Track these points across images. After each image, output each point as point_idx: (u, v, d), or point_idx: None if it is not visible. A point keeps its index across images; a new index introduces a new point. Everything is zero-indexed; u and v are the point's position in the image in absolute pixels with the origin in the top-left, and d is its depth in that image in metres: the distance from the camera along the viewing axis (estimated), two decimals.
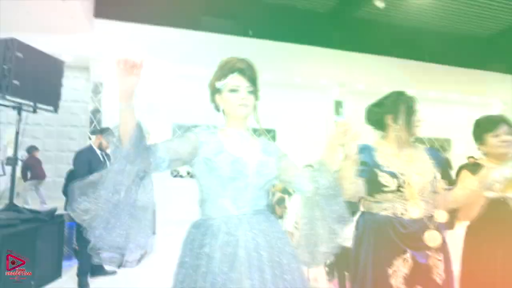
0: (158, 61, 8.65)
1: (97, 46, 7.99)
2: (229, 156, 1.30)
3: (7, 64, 3.41)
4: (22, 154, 6.65)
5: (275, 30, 9.73)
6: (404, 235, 1.53)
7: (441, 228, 1.63)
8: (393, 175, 1.58)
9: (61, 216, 4.14)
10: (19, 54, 3.47)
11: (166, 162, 1.25)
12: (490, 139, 1.79)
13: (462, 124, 11.97)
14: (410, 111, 1.67)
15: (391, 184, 1.57)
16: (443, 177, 1.69)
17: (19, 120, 3.72)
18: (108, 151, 4.11)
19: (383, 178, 1.59)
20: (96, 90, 8.59)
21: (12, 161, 3.66)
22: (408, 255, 1.53)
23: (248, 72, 1.35)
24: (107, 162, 4.10)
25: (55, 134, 8.69)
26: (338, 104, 10.38)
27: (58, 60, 4.11)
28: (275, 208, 6.64)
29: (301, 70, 9.75)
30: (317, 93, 10.51)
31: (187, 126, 9.43)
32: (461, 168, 1.86)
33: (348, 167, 1.41)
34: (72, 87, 8.57)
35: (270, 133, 10.19)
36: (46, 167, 7.60)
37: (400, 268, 1.53)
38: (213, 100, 1.42)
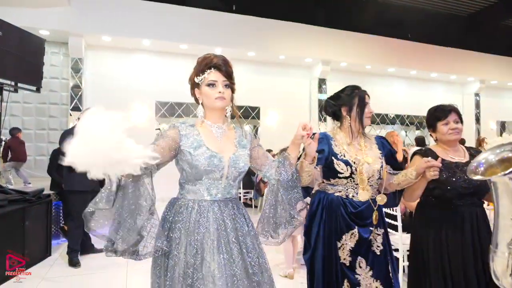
0: (138, 39, 8.47)
1: (76, 20, 7.70)
2: (206, 151, 1.44)
3: None
4: (4, 133, 6.48)
5: (259, 5, 9.59)
6: (353, 214, 1.77)
7: (389, 203, 1.95)
8: (347, 163, 1.78)
9: (48, 195, 4.15)
10: None
11: (155, 170, 1.37)
12: (441, 126, 1.95)
13: (441, 102, 12.33)
14: (362, 104, 1.84)
15: (345, 171, 1.77)
16: (387, 163, 1.90)
17: (1, 100, 3.64)
18: None
19: (339, 166, 1.78)
20: (76, 67, 8.36)
21: None
22: (355, 230, 1.76)
23: (224, 67, 1.48)
24: None
25: (34, 112, 8.46)
26: (322, 82, 10.44)
27: (38, 38, 3.98)
28: (260, 186, 6.78)
29: (285, 48, 9.70)
30: (301, 71, 10.54)
31: (169, 103, 9.36)
32: (414, 154, 2.05)
33: (307, 163, 1.60)
34: (50, 63, 8.28)
35: (255, 110, 10.24)
36: (26, 145, 7.43)
37: (347, 242, 1.76)
38: (193, 94, 1.54)
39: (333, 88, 10.42)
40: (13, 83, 3.75)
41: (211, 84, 1.46)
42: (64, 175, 4.00)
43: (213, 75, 1.47)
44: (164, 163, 1.41)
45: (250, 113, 10.26)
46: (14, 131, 7.09)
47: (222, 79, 1.47)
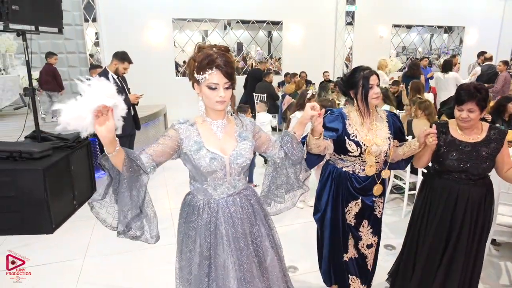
0: None
1: None
2: (207, 153, 1.47)
3: None
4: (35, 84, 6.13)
5: None
6: (358, 188, 2.01)
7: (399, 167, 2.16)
8: (358, 144, 1.92)
9: (86, 138, 4.27)
10: None
11: (153, 168, 1.45)
12: (456, 110, 1.95)
13: (479, 9, 11.22)
14: (366, 88, 1.89)
15: (355, 151, 1.93)
16: (395, 138, 2.04)
17: (26, 47, 3.50)
18: (123, 74, 4.00)
19: (350, 146, 1.93)
20: (88, 7, 7.74)
21: (29, 91, 3.58)
22: (359, 200, 2.03)
23: (226, 68, 1.42)
24: (124, 85, 4.04)
25: (49, 35, 8.14)
26: None
27: None
28: (287, 114, 6.76)
29: None
30: None
31: (186, 19, 8.85)
32: (410, 121, 2.11)
33: (314, 139, 1.74)
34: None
35: (277, 25, 9.60)
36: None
37: (353, 208, 2.05)
38: (193, 87, 1.52)
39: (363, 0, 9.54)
40: (33, 28, 3.56)
41: (212, 87, 1.43)
42: None
43: (214, 77, 1.42)
44: (160, 162, 1.47)
45: (271, 28, 9.64)
46: (47, 56, 6.74)
47: (224, 81, 1.43)
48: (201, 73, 1.42)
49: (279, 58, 9.94)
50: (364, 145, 1.91)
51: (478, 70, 7.05)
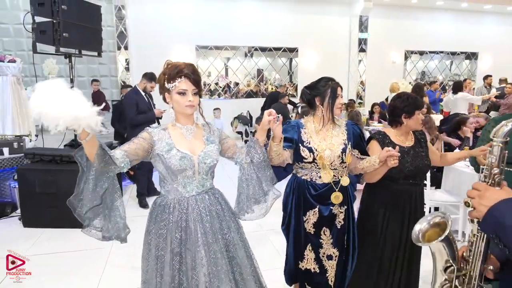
0: None
1: None
2: (177, 153, 1.60)
3: (56, 18, 3.70)
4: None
5: None
6: (315, 196, 2.04)
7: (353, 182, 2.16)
8: (310, 150, 2.00)
9: (115, 147, 4.82)
10: (64, 7, 3.72)
11: (127, 164, 1.53)
12: (417, 116, 2.14)
13: (494, 36, 11.49)
14: (334, 96, 2.01)
15: (309, 157, 2.00)
16: (355, 148, 2.08)
17: (71, 67, 4.13)
18: (151, 92, 4.56)
19: (303, 152, 2.01)
20: (119, 14, 8.63)
21: None
22: (317, 209, 2.04)
23: (193, 76, 1.60)
24: (151, 101, 4.59)
25: (85, 60, 9.03)
26: (363, 19, 10.02)
27: (95, 6, 4.30)
28: None
29: None
30: (341, 8, 10.10)
31: (208, 47, 9.56)
32: (370, 138, 2.25)
33: (275, 144, 1.78)
34: None
35: (293, 51, 10.19)
36: (82, 91, 8.07)
37: (310, 217, 2.06)
38: (163, 97, 1.68)
39: (375, 25, 10.08)
40: (77, 51, 4.20)
41: (181, 93, 1.59)
42: (127, 131, 4.64)
43: (183, 84, 1.59)
44: (134, 161, 1.57)
45: (288, 54, 10.24)
46: (92, 83, 7.62)
47: (192, 87, 1.60)
48: (171, 81, 1.59)
49: (295, 84, 10.48)
50: (316, 150, 1.99)
51: (494, 90, 7.54)
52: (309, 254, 2.10)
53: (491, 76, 7.79)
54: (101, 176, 1.48)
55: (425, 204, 2.99)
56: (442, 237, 0.92)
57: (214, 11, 9.26)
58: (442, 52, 11.38)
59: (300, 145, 2.02)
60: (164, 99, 1.69)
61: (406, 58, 11.18)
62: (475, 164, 2.40)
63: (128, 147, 1.56)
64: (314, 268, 2.10)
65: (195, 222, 1.64)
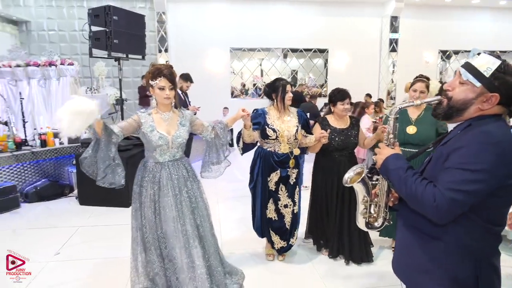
0: None
1: None
2: (157, 133, 2.21)
3: (108, 27, 4.34)
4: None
5: None
6: (277, 162, 2.82)
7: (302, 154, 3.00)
8: (274, 130, 2.76)
9: None
10: (115, 17, 4.36)
11: (121, 136, 2.16)
12: (339, 105, 2.89)
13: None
14: (284, 92, 2.78)
15: (273, 135, 2.77)
16: (302, 128, 2.88)
17: (120, 69, 4.77)
18: (187, 91, 5.11)
19: (269, 132, 2.77)
20: (160, 20, 9.38)
21: (119, 101, 4.84)
22: (278, 171, 2.83)
23: (170, 76, 2.18)
24: (186, 99, 5.14)
25: (130, 62, 9.86)
26: (394, 20, 10.09)
27: (140, 15, 4.93)
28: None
29: None
30: (372, 9, 10.24)
31: (241, 48, 10.09)
32: (315, 122, 3.06)
33: (245, 130, 2.62)
34: None
35: (323, 52, 10.47)
36: (125, 91, 8.84)
37: (273, 177, 2.85)
38: (149, 91, 2.27)
39: (406, 26, 10.12)
40: (125, 55, 4.84)
41: (161, 88, 2.16)
42: None
43: (162, 81, 2.15)
44: (127, 134, 2.20)
45: (318, 55, 10.53)
46: (142, 79, 8.44)
47: (169, 84, 2.17)
48: (154, 79, 2.17)
49: (323, 85, 10.76)
50: (278, 131, 2.76)
51: None
52: (270, 206, 2.91)
53: None
54: (108, 143, 2.11)
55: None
56: (359, 179, 1.42)
57: (247, 15, 9.78)
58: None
59: (266, 127, 2.78)
60: (149, 91, 2.27)
61: (443, 57, 11.07)
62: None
63: (123, 124, 2.20)
64: (274, 217, 2.92)
65: (167, 180, 2.26)
